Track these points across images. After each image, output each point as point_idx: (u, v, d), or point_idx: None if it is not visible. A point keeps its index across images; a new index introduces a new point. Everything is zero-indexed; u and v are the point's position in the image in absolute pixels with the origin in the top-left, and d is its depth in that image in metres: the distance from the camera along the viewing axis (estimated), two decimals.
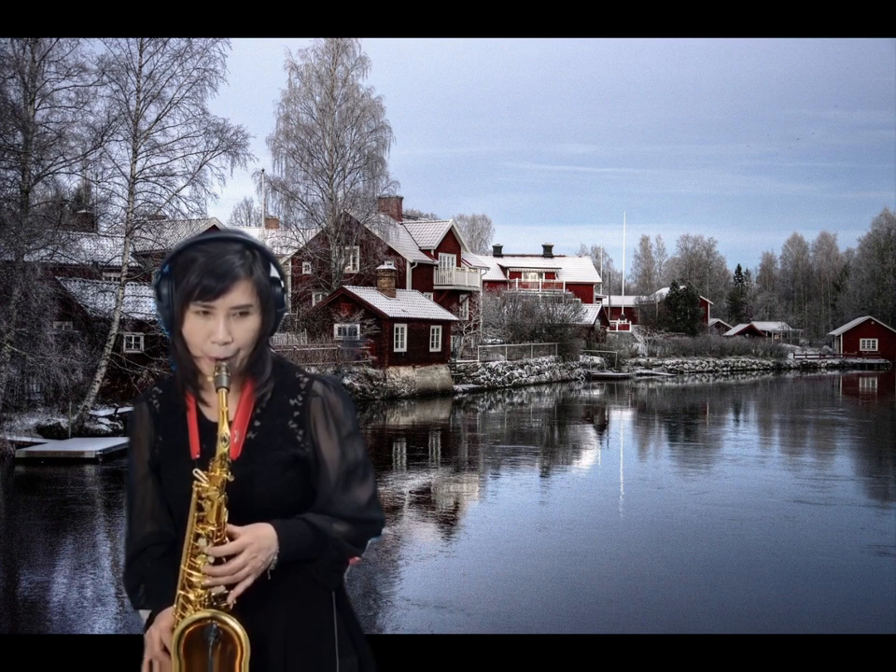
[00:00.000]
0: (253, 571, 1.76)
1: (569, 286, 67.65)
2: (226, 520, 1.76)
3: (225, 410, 1.77)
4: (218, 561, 1.76)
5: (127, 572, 1.98)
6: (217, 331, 1.81)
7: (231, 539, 1.77)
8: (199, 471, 1.77)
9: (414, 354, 37.03)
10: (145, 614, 1.94)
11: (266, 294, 1.86)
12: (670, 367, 60.68)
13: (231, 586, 1.77)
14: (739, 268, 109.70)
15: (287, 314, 1.95)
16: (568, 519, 13.53)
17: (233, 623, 1.74)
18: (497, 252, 74.34)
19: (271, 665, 1.86)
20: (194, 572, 1.77)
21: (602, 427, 28.57)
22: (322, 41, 41.01)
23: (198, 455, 1.89)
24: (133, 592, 1.96)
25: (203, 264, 1.81)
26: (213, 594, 1.76)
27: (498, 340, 48.46)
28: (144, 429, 1.99)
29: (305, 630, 1.91)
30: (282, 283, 1.91)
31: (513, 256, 74.18)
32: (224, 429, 1.76)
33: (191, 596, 1.77)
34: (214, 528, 1.76)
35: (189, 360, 1.87)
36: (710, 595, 9.59)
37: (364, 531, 1.93)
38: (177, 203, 24.98)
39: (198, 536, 1.76)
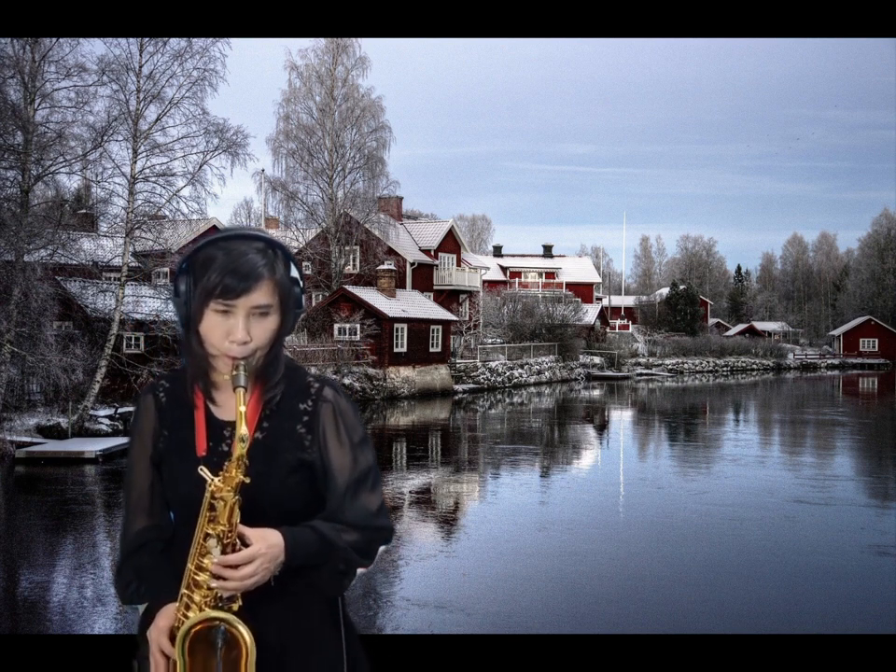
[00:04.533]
0: (261, 580, 1.75)
1: (569, 286, 67.62)
2: (238, 521, 1.74)
3: (242, 410, 1.74)
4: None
5: (121, 567, 1.91)
6: (236, 331, 1.78)
7: (242, 540, 1.74)
8: (204, 469, 1.74)
9: (414, 354, 37.01)
10: (138, 609, 1.90)
11: (287, 294, 1.84)
12: (670, 367, 60.66)
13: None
14: (739, 268, 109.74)
15: (303, 314, 1.91)
16: (568, 519, 13.52)
17: (240, 626, 1.71)
18: (497, 252, 74.30)
19: (266, 669, 1.81)
20: (201, 572, 1.74)
21: (602, 427, 28.56)
22: (322, 41, 41.00)
23: (204, 453, 1.86)
24: (124, 587, 1.89)
25: (225, 262, 1.78)
26: (219, 594, 1.74)
27: (498, 340, 48.42)
28: (148, 422, 1.94)
29: (303, 635, 1.87)
30: (300, 283, 1.89)
31: (513, 256, 74.13)
32: (242, 429, 1.72)
33: (196, 597, 1.74)
34: (225, 529, 1.73)
35: (203, 357, 1.85)
36: (710, 595, 9.58)
37: (373, 539, 1.89)
38: (177, 202, 24.98)
39: (208, 536, 1.73)
